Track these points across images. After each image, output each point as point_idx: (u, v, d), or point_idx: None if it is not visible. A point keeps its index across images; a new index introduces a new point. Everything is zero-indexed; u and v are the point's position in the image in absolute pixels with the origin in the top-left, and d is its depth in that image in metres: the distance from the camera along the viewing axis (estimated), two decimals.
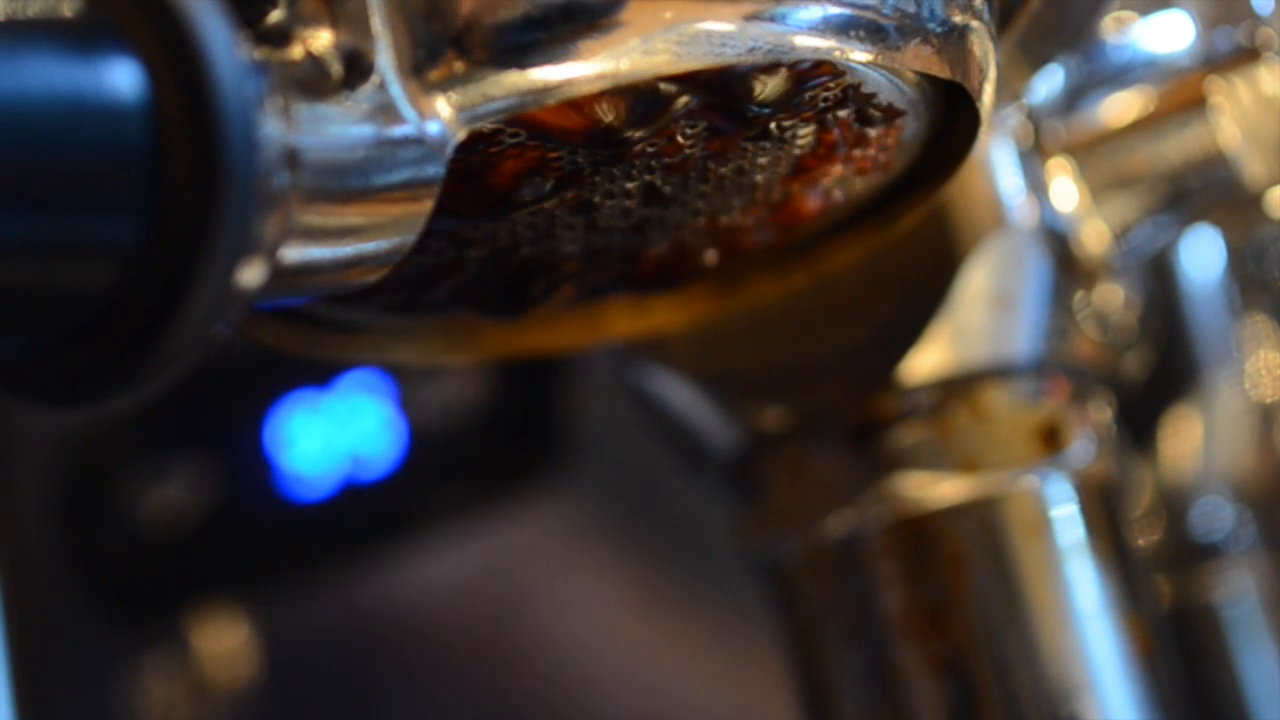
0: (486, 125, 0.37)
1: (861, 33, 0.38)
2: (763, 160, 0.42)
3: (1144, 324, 0.55)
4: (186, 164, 0.30)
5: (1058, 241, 0.51)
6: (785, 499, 0.51)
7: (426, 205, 0.36)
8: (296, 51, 0.35)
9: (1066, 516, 0.50)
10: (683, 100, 0.40)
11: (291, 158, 0.33)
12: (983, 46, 0.41)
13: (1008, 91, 0.50)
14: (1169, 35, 0.52)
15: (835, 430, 0.50)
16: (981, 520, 0.49)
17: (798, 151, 0.42)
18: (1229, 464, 0.69)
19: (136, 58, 0.30)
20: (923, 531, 0.49)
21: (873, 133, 0.43)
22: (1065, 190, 0.52)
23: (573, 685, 0.91)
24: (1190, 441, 0.69)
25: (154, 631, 0.88)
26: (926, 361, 0.49)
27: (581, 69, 0.36)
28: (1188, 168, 0.52)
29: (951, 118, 0.43)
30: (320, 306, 0.44)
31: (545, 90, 0.36)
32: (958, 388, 0.50)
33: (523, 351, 0.48)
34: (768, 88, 0.40)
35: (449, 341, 0.48)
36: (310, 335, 0.45)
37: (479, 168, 0.39)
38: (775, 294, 0.48)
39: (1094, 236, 0.52)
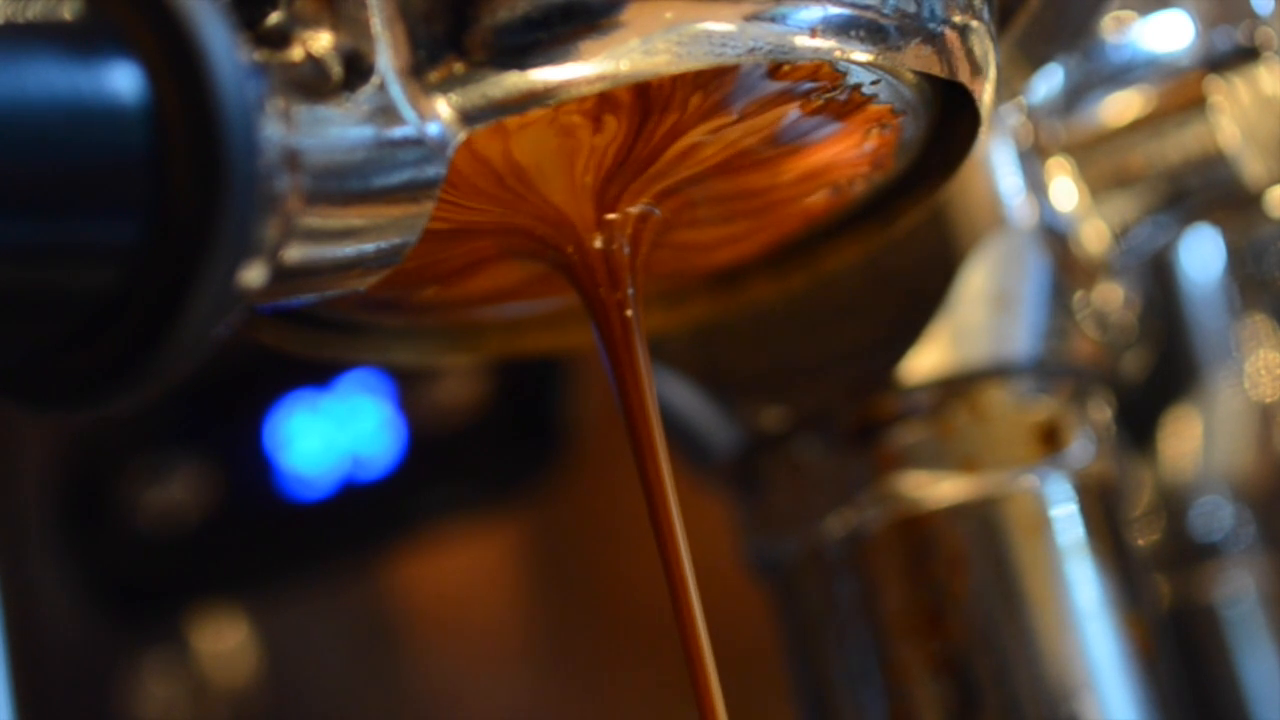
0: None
1: (861, 33, 0.38)
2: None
3: (1144, 324, 0.55)
4: (187, 167, 0.30)
5: (1057, 241, 0.51)
6: (785, 499, 0.51)
7: (428, 207, 0.36)
8: (296, 53, 0.35)
9: (1066, 516, 0.50)
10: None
11: (292, 160, 0.33)
12: (983, 46, 0.41)
13: (1008, 91, 0.50)
14: (1169, 35, 0.52)
15: (835, 430, 0.50)
16: (981, 520, 0.50)
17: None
18: (1229, 464, 0.69)
19: (136, 61, 0.30)
20: (923, 531, 0.49)
21: (872, 132, 0.43)
22: (1065, 190, 0.52)
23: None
24: (1190, 441, 0.69)
25: (154, 631, 0.88)
26: (926, 361, 0.49)
27: (581, 70, 0.36)
28: (1187, 167, 0.52)
29: (951, 118, 0.43)
30: (320, 307, 0.44)
31: (545, 91, 0.36)
32: (957, 387, 0.50)
33: (523, 351, 0.48)
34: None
35: (449, 341, 0.48)
36: (310, 336, 0.45)
37: None
38: (775, 294, 0.48)
39: (1094, 236, 0.52)
